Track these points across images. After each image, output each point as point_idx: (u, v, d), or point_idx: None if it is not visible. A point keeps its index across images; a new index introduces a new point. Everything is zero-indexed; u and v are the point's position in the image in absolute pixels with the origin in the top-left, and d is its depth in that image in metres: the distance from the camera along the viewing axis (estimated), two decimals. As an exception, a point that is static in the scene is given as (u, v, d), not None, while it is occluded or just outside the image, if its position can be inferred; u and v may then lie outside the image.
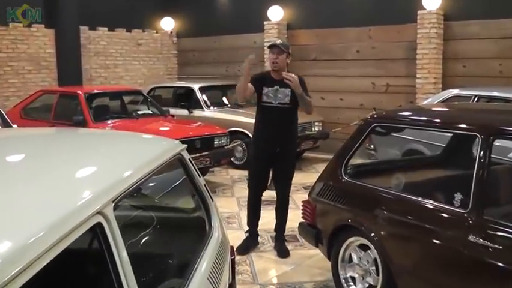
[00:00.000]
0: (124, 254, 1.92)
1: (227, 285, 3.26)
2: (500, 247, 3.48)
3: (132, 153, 2.74)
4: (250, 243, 6.42)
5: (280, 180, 6.49)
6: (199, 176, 3.21)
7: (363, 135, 4.88)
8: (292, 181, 10.03)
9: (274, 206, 6.67)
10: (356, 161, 6.50)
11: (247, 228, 6.68)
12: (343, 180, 4.87)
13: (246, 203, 6.74)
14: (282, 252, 6.30)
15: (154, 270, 2.64)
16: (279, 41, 6.25)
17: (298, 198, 8.69)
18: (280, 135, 6.14)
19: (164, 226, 3.18)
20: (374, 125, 4.90)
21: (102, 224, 1.85)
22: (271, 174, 6.57)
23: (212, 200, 3.33)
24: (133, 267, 2.00)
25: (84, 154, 2.68)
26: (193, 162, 3.19)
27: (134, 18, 15.17)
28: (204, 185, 3.27)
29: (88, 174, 2.26)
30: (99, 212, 1.84)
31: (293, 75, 5.92)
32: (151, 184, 3.04)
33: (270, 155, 6.20)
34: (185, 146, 3.12)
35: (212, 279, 2.81)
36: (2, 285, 1.30)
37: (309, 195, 5.34)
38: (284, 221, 6.53)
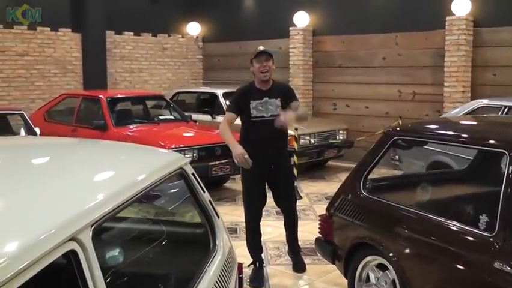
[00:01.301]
0: (100, 281, 1.74)
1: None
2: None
3: (125, 170, 2.56)
4: (261, 272, 5.87)
5: (284, 200, 6.02)
6: (204, 191, 3.04)
7: (383, 148, 4.66)
8: (315, 189, 9.94)
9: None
10: (380, 171, 6.28)
11: (264, 238, 6.27)
12: (361, 195, 4.66)
13: (245, 231, 6.17)
14: (298, 264, 6.06)
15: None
16: (261, 47, 5.68)
17: (319, 209, 8.52)
18: (277, 150, 5.71)
19: (164, 242, 3.02)
20: (395, 138, 4.68)
21: (76, 251, 1.68)
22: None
23: (218, 217, 3.15)
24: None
25: (69, 169, 2.50)
26: (196, 176, 3.01)
27: (159, 22, 15.15)
28: (209, 201, 3.09)
29: (66, 195, 2.06)
30: (73, 238, 1.67)
31: (282, 114, 5.46)
32: (153, 198, 2.89)
33: (265, 173, 5.71)
34: (188, 159, 2.95)
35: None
36: None
37: (326, 210, 5.13)
38: (295, 235, 6.14)
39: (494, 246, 3.44)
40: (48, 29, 13.03)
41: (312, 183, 10.56)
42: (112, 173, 2.49)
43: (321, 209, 8.47)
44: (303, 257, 6.27)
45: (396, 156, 8.59)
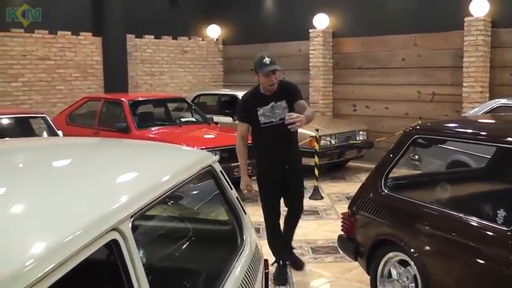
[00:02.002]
0: (141, 271, 1.87)
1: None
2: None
3: (158, 167, 2.70)
4: (285, 270, 5.92)
5: (293, 199, 5.99)
6: (231, 189, 3.17)
7: (404, 146, 4.76)
8: (336, 190, 10.02)
9: (314, 215, 6.42)
10: (400, 170, 6.36)
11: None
12: (383, 193, 4.76)
13: (265, 231, 6.23)
14: (297, 262, 6.13)
15: (181, 284, 2.59)
16: (268, 60, 5.43)
17: (340, 208, 8.61)
18: (289, 151, 5.79)
19: (194, 238, 3.14)
20: (415, 136, 4.78)
21: (118, 241, 1.81)
22: None
23: (245, 213, 3.28)
24: (157, 281, 1.94)
25: (105, 167, 2.65)
26: (225, 174, 3.14)
27: (180, 26, 15.30)
28: (237, 198, 3.22)
29: (106, 189, 2.22)
30: (115, 229, 1.80)
31: (294, 115, 5.25)
32: (182, 196, 3.00)
33: (280, 173, 5.78)
34: (216, 157, 3.08)
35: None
36: None
37: (349, 208, 5.24)
38: (293, 232, 6.13)
39: (511, 240, 3.53)
40: (69, 33, 13.22)
41: (333, 183, 10.65)
42: (149, 169, 2.63)
43: (343, 208, 8.56)
44: (326, 255, 6.37)
45: (416, 156, 8.65)
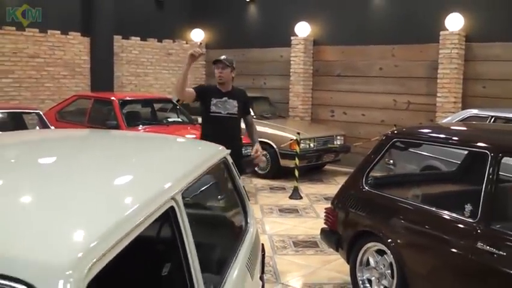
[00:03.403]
0: (190, 234, 2.36)
1: (258, 277, 3.69)
2: (505, 254, 3.88)
3: (191, 154, 3.20)
4: None
5: None
6: (239, 178, 3.66)
7: (384, 148, 5.31)
8: (314, 191, 10.54)
9: (294, 213, 6.92)
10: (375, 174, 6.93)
11: (270, 232, 6.96)
12: (364, 190, 5.29)
13: None
14: None
15: (205, 254, 3.08)
16: (223, 57, 6.53)
17: (318, 207, 9.16)
18: (230, 141, 6.39)
19: (210, 220, 3.63)
20: (395, 140, 5.33)
21: (174, 207, 2.30)
22: None
23: (249, 200, 3.77)
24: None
25: (152, 154, 3.16)
26: (234, 165, 3.64)
27: (165, 29, 15.72)
28: (243, 186, 3.71)
29: (162, 169, 2.73)
30: (172, 198, 2.29)
31: (258, 152, 6.45)
32: (202, 182, 3.51)
33: None
34: (229, 151, 3.57)
35: (248, 267, 3.25)
36: (108, 249, 1.67)
37: (331, 203, 5.75)
38: None
39: (477, 230, 4.09)
40: (59, 32, 13.57)
41: (311, 185, 11.16)
42: (186, 155, 3.14)
43: (321, 208, 9.12)
44: (307, 248, 6.90)
45: (391, 161, 9.19)
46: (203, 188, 3.20)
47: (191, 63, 6.07)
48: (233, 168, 3.56)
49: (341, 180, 11.25)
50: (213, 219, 3.65)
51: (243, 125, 6.70)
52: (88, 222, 1.80)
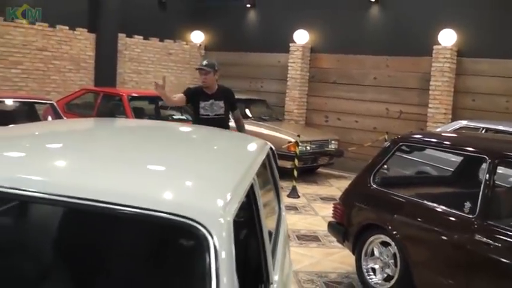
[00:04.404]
0: (262, 208, 2.93)
1: (289, 256, 4.27)
2: (500, 245, 4.50)
3: (252, 144, 3.77)
4: None
5: None
6: (276, 168, 4.23)
7: (391, 151, 5.91)
8: (310, 191, 11.11)
9: (294, 210, 7.43)
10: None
11: None
12: (371, 187, 5.88)
13: None
14: None
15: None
16: (204, 62, 7.22)
17: (316, 207, 9.75)
18: None
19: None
20: (401, 144, 5.95)
21: (253, 185, 2.86)
22: None
23: (281, 188, 4.34)
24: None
25: (223, 142, 3.78)
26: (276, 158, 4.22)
27: (167, 29, 16.21)
28: (277, 176, 4.28)
29: (240, 156, 3.39)
30: (253, 178, 2.87)
31: None
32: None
33: None
34: (270, 144, 4.13)
35: (286, 242, 3.83)
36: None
37: (339, 199, 6.34)
38: None
39: (475, 225, 4.70)
40: (67, 27, 14.06)
41: (306, 185, 11.69)
42: (250, 146, 3.72)
43: (318, 206, 9.77)
44: (310, 242, 7.49)
45: (385, 166, 9.79)
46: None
47: (162, 92, 7.03)
48: (273, 161, 4.11)
49: (334, 183, 12.04)
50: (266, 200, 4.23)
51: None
52: (227, 176, 2.52)
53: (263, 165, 3.54)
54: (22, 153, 2.60)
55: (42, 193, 2.04)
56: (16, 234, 2.86)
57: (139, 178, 2.29)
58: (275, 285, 2.76)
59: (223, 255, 1.87)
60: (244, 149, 3.63)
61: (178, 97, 7.03)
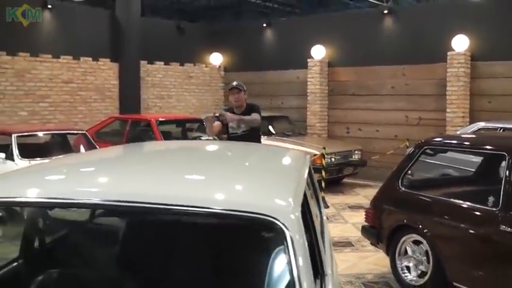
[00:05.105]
0: (313, 208, 3.33)
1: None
2: (524, 234, 4.87)
3: (297, 157, 4.18)
4: None
5: None
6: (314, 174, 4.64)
7: (417, 155, 6.29)
8: (337, 201, 11.45)
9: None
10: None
11: None
12: (401, 190, 6.25)
13: None
14: None
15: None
16: (235, 83, 7.57)
17: (345, 215, 10.09)
18: None
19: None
20: (425, 147, 6.33)
21: (305, 191, 3.27)
22: None
23: (320, 192, 4.75)
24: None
25: (273, 156, 4.21)
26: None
27: (186, 53, 16.84)
28: (317, 184, 4.68)
29: (291, 168, 3.80)
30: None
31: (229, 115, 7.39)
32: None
33: None
34: (309, 156, 4.54)
35: (330, 244, 4.22)
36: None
37: (370, 204, 6.72)
38: None
39: (498, 217, 5.06)
40: (91, 59, 14.62)
41: (334, 196, 12.01)
42: (295, 157, 4.13)
43: (347, 215, 10.11)
44: (344, 247, 7.85)
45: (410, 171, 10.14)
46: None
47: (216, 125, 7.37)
48: (312, 169, 4.52)
49: (360, 191, 12.39)
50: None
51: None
52: (286, 182, 3.05)
53: (309, 173, 3.94)
54: (131, 174, 3.13)
55: (158, 204, 2.51)
56: (141, 240, 3.43)
57: (222, 187, 2.80)
58: (329, 277, 3.14)
59: (297, 242, 2.32)
60: (293, 160, 4.03)
61: (216, 126, 7.44)
